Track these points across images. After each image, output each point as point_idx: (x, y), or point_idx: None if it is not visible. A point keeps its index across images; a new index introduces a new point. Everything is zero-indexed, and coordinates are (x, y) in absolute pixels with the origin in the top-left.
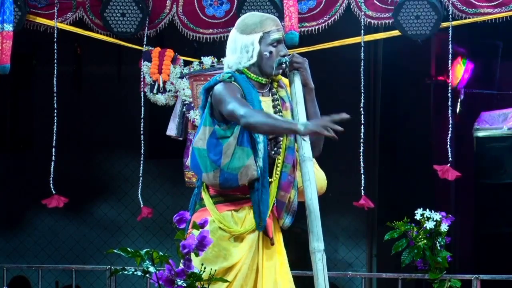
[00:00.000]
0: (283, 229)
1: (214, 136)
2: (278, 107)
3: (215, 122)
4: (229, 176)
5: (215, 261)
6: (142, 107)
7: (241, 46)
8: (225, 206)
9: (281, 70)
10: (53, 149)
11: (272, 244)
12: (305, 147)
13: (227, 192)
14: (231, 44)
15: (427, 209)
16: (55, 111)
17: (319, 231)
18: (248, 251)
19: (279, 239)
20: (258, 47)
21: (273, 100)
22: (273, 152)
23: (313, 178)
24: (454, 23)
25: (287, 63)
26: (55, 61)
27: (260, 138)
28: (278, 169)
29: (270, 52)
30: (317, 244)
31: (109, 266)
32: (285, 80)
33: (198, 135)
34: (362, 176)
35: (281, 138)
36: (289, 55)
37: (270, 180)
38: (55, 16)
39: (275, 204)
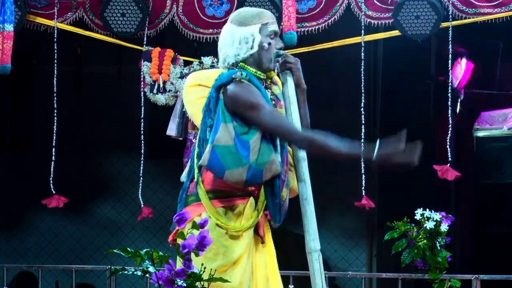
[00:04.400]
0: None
1: (236, 133)
2: (273, 102)
3: (233, 118)
4: (256, 172)
5: (215, 258)
6: (142, 107)
7: (240, 38)
8: (219, 202)
9: (277, 64)
10: (53, 149)
11: (263, 242)
12: None
13: (221, 188)
14: (227, 37)
15: (427, 209)
16: (55, 111)
17: (315, 231)
18: (247, 248)
19: (269, 237)
20: (259, 36)
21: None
22: None
23: (308, 178)
24: (454, 23)
25: (283, 56)
26: (55, 61)
27: None
28: None
29: (269, 44)
30: (313, 244)
31: (109, 266)
32: (277, 78)
33: (219, 133)
34: (363, 176)
35: None
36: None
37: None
38: (55, 16)
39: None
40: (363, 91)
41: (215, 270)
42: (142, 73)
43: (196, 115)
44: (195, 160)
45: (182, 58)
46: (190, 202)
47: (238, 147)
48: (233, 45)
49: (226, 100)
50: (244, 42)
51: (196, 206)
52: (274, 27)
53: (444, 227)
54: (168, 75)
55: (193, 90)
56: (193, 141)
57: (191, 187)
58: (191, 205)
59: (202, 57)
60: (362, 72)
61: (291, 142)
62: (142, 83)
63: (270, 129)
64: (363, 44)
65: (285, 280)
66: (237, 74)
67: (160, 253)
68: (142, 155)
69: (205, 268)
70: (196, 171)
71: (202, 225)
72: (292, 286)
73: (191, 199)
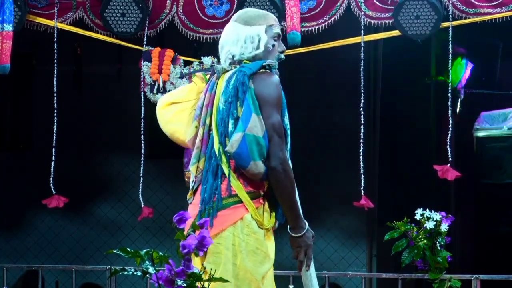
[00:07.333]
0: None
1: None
2: None
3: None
4: None
5: (264, 261)
6: (142, 107)
7: (246, 37)
8: (254, 203)
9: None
10: (53, 149)
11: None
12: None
13: (253, 189)
14: (231, 35)
15: (427, 209)
16: (55, 111)
17: None
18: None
19: None
20: (265, 37)
21: None
22: None
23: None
24: (454, 23)
25: (283, 59)
26: (55, 61)
27: (289, 131)
28: None
29: (273, 45)
30: None
31: (109, 266)
32: None
33: (251, 122)
34: (362, 176)
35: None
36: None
37: None
38: (55, 16)
39: None
40: (363, 91)
41: (265, 274)
42: (142, 73)
43: (178, 131)
44: (223, 158)
45: (182, 58)
46: (226, 205)
47: (266, 140)
48: (237, 43)
49: (257, 88)
50: (249, 41)
51: (235, 209)
52: (278, 29)
53: (444, 227)
54: (168, 75)
55: (167, 109)
56: None
57: (223, 189)
58: (229, 208)
59: (202, 57)
60: (362, 72)
61: (274, 156)
62: (142, 83)
63: (274, 130)
64: (363, 44)
65: (285, 280)
66: (269, 61)
67: (160, 253)
68: (142, 155)
69: (205, 268)
70: (229, 172)
71: (202, 225)
72: (292, 286)
73: (227, 202)
